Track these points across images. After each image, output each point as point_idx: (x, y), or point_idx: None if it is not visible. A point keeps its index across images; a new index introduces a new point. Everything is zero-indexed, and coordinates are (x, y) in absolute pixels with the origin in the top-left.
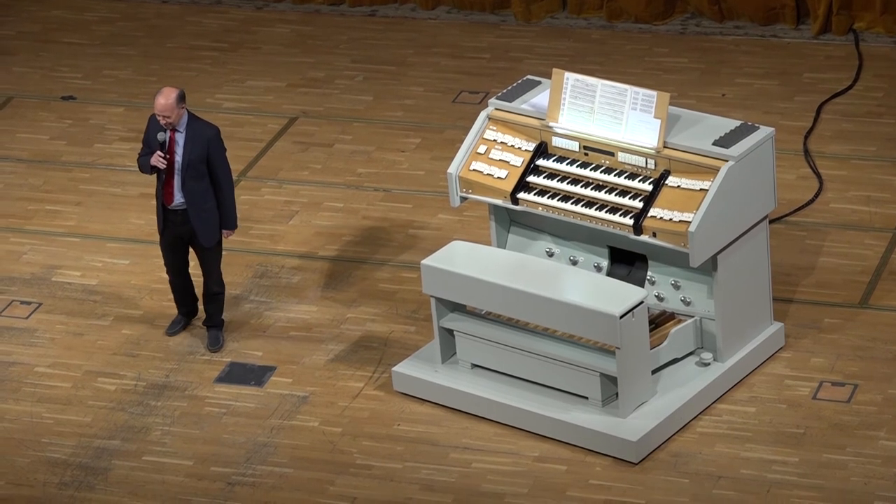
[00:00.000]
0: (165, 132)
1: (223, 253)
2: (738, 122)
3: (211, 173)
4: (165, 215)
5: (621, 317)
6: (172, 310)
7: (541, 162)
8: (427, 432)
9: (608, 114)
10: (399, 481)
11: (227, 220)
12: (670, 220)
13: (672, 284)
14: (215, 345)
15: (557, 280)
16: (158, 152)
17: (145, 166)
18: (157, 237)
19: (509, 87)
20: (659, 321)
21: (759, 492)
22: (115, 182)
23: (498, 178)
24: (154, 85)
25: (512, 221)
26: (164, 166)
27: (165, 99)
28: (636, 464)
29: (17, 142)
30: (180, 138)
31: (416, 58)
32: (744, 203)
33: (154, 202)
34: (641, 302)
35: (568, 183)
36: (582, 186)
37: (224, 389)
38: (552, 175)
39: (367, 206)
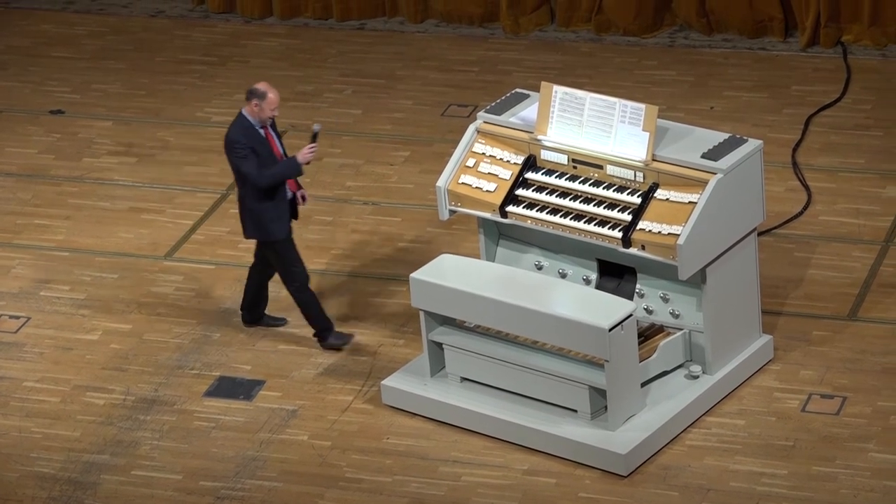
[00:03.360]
0: (319, 124)
1: (218, 266)
2: (726, 135)
3: None
4: (291, 206)
5: (610, 330)
6: (161, 323)
7: (529, 175)
8: (416, 446)
9: (597, 127)
10: (388, 495)
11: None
12: (659, 232)
13: (661, 297)
14: (339, 339)
15: (546, 293)
16: (311, 146)
17: (290, 168)
18: (145, 252)
19: (498, 101)
20: (648, 334)
21: None
22: (103, 196)
23: (487, 191)
24: (143, 99)
25: (501, 234)
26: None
27: (276, 94)
28: (625, 477)
29: (5, 156)
30: (272, 130)
31: (405, 71)
32: (732, 215)
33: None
34: (630, 315)
35: (557, 196)
36: (571, 199)
37: (213, 403)
38: (541, 188)
39: (355, 220)
